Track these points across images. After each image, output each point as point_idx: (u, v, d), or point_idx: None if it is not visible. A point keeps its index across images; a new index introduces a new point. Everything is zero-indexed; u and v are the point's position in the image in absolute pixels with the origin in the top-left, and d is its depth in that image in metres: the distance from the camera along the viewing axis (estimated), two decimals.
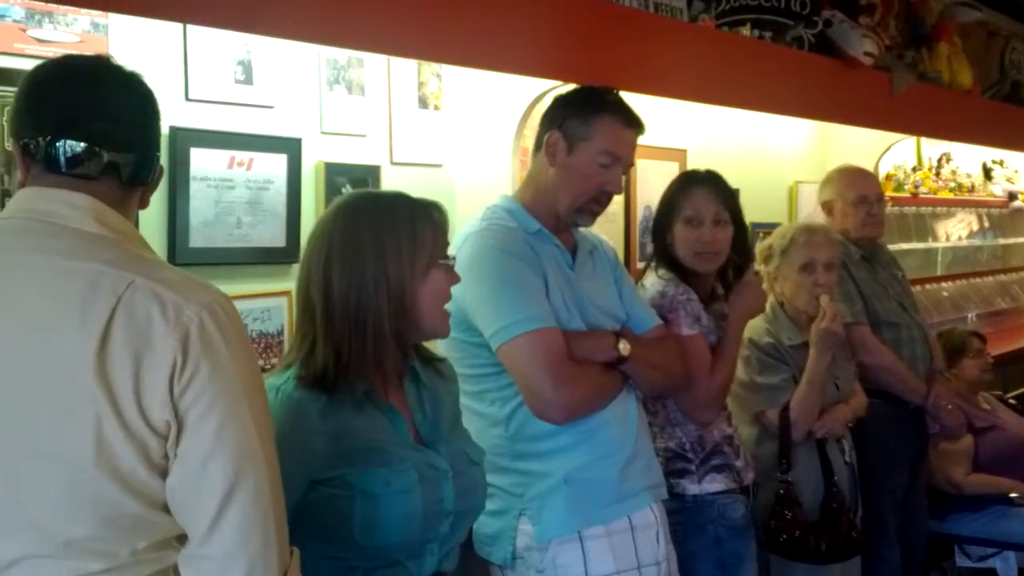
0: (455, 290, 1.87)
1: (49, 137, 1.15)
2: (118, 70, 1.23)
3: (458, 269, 1.87)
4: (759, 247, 2.77)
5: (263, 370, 2.13)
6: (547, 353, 1.80)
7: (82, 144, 1.16)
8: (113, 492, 1.09)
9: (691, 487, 2.19)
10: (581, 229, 2.09)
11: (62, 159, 1.16)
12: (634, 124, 2.00)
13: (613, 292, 2.07)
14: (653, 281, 2.28)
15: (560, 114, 1.99)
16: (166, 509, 1.13)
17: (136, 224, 1.28)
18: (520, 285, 1.84)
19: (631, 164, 2.03)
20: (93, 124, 1.17)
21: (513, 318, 1.80)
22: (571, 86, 2.21)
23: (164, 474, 1.12)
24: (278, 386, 1.44)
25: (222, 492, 1.12)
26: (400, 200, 1.54)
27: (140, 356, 1.09)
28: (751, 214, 3.77)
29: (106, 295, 1.10)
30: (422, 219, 1.51)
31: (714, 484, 2.21)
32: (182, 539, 1.15)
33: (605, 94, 2.04)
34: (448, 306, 1.89)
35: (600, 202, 1.99)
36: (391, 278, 1.47)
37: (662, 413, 2.23)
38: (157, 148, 1.26)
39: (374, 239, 1.48)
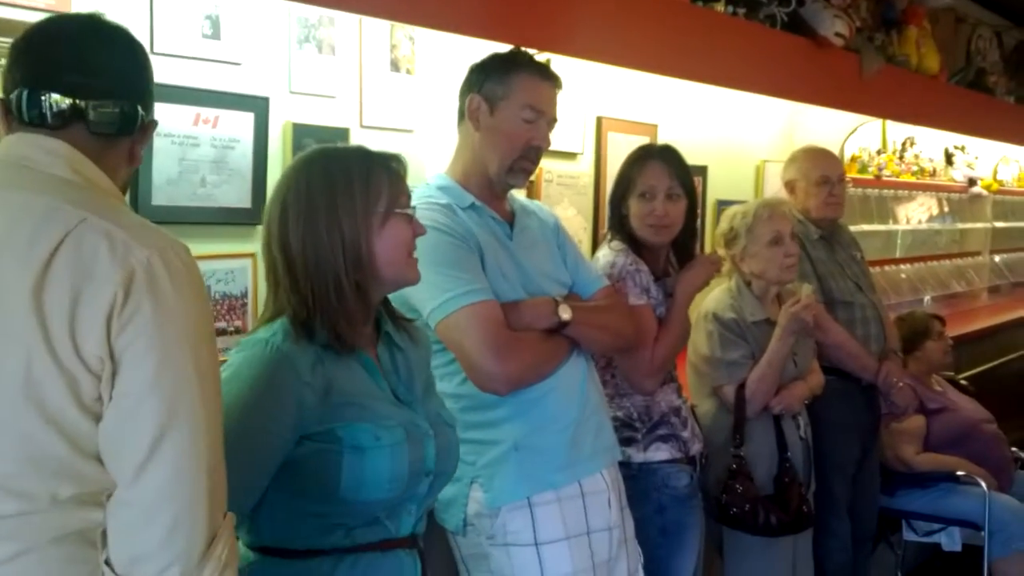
0: None
1: (25, 91, 1.17)
2: (101, 24, 1.25)
3: None
4: (718, 232, 2.79)
5: (228, 333, 2.10)
6: (485, 326, 1.79)
7: (55, 95, 1.17)
8: (38, 429, 1.07)
9: (636, 455, 2.23)
10: (519, 198, 2.09)
11: (35, 110, 1.17)
12: (550, 78, 2.00)
13: (556, 258, 2.07)
14: (604, 252, 2.31)
15: (478, 79, 1.99)
16: (96, 458, 1.10)
17: (127, 186, 1.29)
18: (452, 261, 1.83)
19: (554, 119, 2.02)
20: (67, 76, 1.18)
21: (448, 295, 1.79)
22: (547, 55, 2.20)
23: (97, 418, 1.09)
24: (267, 339, 1.43)
25: (152, 435, 1.08)
26: (354, 153, 1.54)
27: (79, 290, 1.07)
28: (718, 192, 3.85)
29: (56, 227, 1.09)
30: (377, 170, 1.51)
31: (659, 453, 2.26)
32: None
33: (518, 53, 2.05)
34: None
35: (530, 158, 1.98)
36: (345, 231, 1.47)
37: (611, 383, 2.26)
38: (141, 100, 1.25)
39: (326, 193, 1.47)
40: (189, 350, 1.12)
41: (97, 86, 1.19)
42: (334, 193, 1.47)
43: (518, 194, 2.16)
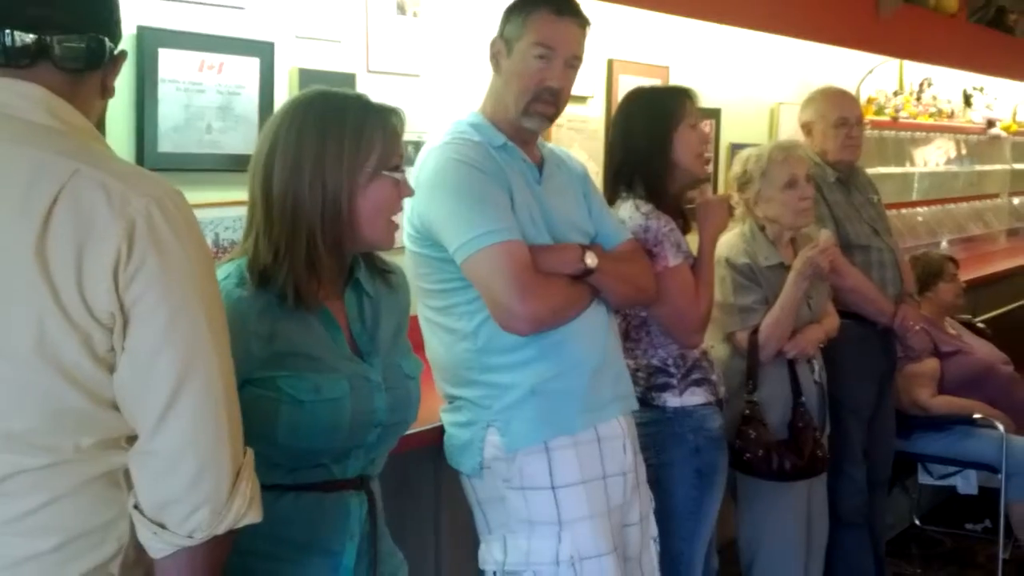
0: (419, 205, 1.84)
1: None
2: None
3: (421, 184, 1.84)
4: (731, 176, 2.75)
5: None
6: (512, 265, 1.78)
7: (18, 32, 1.12)
8: (56, 385, 1.07)
9: (672, 400, 2.24)
10: (549, 144, 2.06)
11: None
12: (566, 12, 1.93)
13: (582, 207, 2.05)
14: (632, 214, 2.23)
15: (502, 21, 1.96)
16: (114, 406, 1.11)
17: (103, 121, 1.23)
18: (484, 198, 1.81)
19: (576, 57, 1.95)
20: (28, 10, 1.13)
21: (477, 231, 1.77)
22: None
23: (111, 369, 1.10)
24: (220, 280, 1.40)
25: (171, 386, 1.10)
26: (352, 103, 1.48)
27: (83, 245, 1.06)
28: (732, 135, 3.79)
29: (49, 182, 1.07)
30: (373, 125, 1.45)
31: (695, 397, 2.26)
32: (132, 440, 1.13)
33: None
34: (412, 221, 1.88)
35: (544, 100, 1.92)
36: (328, 185, 1.43)
37: (645, 339, 2.26)
38: (108, 30, 1.20)
39: (316, 143, 1.43)
40: (197, 297, 1.12)
41: (61, 19, 1.14)
42: (324, 143, 1.43)
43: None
